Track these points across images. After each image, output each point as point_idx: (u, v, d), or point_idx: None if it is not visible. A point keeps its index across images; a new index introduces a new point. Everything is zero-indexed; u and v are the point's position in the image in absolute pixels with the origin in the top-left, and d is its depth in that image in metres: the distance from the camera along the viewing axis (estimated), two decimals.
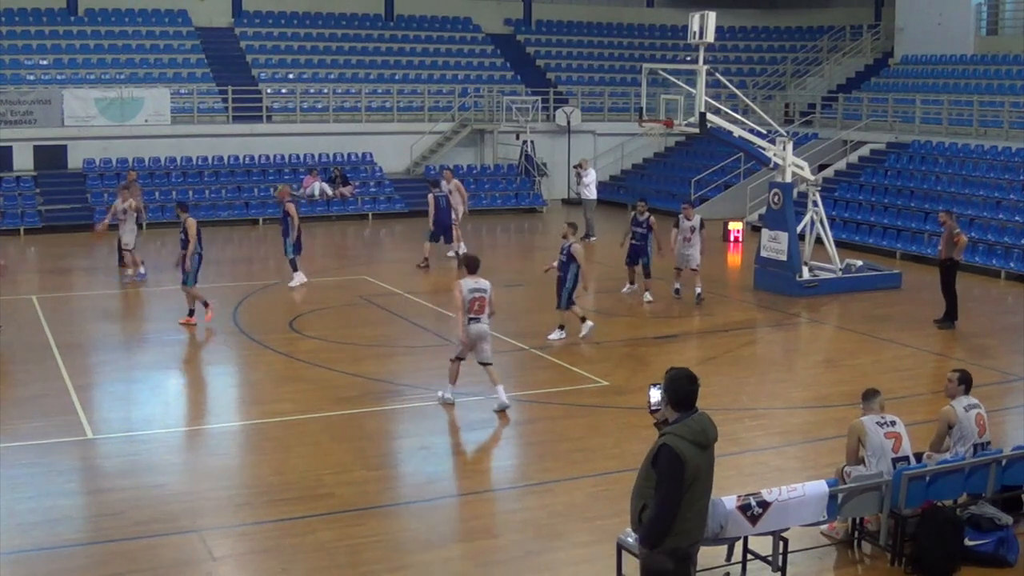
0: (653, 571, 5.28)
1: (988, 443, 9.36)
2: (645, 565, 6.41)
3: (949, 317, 17.00)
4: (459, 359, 12.40)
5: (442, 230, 22.03)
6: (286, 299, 18.72)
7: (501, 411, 12.25)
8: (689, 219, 18.43)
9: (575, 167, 28.05)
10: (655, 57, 34.59)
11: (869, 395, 9.22)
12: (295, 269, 19.60)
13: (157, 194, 28.27)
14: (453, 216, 22.43)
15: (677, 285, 18.87)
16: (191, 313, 16.51)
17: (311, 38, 35.19)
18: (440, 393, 12.60)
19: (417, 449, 11.35)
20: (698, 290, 18.46)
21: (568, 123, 33.29)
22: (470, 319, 12.12)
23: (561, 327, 15.94)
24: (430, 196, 22.01)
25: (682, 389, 6.21)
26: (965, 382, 9.47)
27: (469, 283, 12.18)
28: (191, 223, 16.37)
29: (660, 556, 5.36)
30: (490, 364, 12.38)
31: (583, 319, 16.01)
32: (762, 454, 11.24)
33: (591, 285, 18.23)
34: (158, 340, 15.86)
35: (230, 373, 14.66)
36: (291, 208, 19.50)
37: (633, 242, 18.80)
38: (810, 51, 37.65)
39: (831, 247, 20.31)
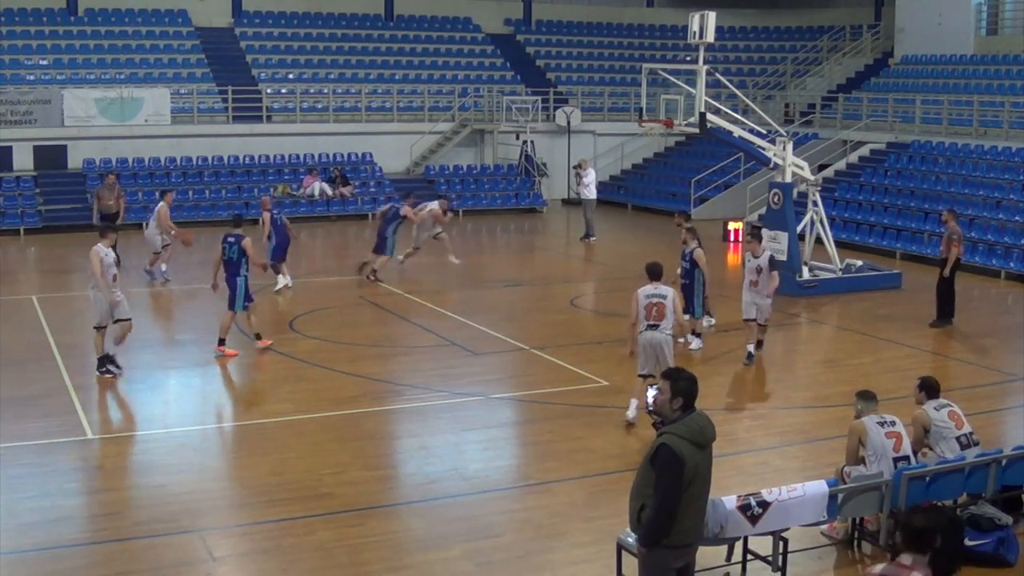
0: None
1: (972, 432, 9.39)
2: (644, 564, 6.43)
3: (945, 315, 17.02)
4: (643, 375, 11.63)
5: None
6: (286, 299, 18.72)
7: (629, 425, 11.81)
8: (756, 255, 14.90)
9: (575, 167, 27.98)
10: (655, 57, 34.58)
11: (867, 396, 9.23)
12: (276, 272, 19.02)
13: (158, 194, 28.23)
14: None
15: (750, 347, 14.76)
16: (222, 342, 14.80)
17: (311, 38, 35.19)
18: (627, 414, 11.89)
19: (417, 449, 11.35)
20: (750, 348, 14.71)
21: (568, 123, 33.28)
22: (648, 325, 11.58)
23: (698, 334, 15.41)
24: (267, 216, 19.17)
25: (691, 390, 6.27)
26: (926, 388, 9.57)
27: (648, 289, 11.71)
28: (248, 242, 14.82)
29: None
30: None
31: (697, 333, 15.39)
32: (762, 454, 11.24)
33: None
34: (158, 340, 15.85)
35: (230, 373, 14.65)
36: (265, 217, 19.07)
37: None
38: (810, 51, 37.66)
39: (831, 247, 20.31)
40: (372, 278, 19.90)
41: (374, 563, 8.56)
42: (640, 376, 11.72)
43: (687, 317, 15.35)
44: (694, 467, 6.13)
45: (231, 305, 14.71)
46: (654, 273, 11.89)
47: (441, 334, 16.19)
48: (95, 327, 13.59)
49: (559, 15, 39.43)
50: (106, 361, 13.51)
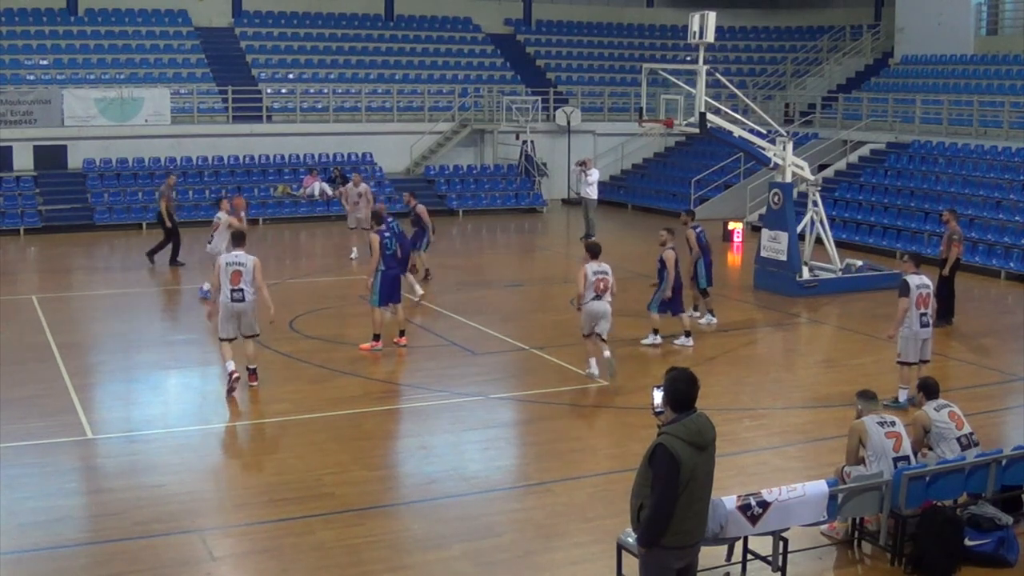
0: None
1: (972, 433, 9.40)
2: (643, 564, 6.43)
3: (944, 315, 17.03)
4: (588, 335, 13.64)
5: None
6: (286, 299, 18.68)
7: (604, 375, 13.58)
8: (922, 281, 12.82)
9: (578, 164, 27.56)
10: (655, 57, 34.60)
11: (868, 396, 9.24)
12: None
13: (157, 194, 28.23)
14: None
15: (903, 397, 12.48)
16: (376, 338, 15.04)
17: (311, 38, 35.19)
18: (587, 371, 13.59)
19: (417, 449, 11.35)
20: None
21: (568, 123, 33.28)
22: (593, 297, 13.41)
23: (655, 330, 15.56)
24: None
25: (679, 390, 6.22)
26: (924, 389, 9.62)
27: (593, 266, 13.53)
28: (374, 238, 14.93)
29: None
30: (605, 340, 13.60)
31: (655, 330, 15.58)
32: (762, 454, 11.24)
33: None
34: (158, 340, 15.85)
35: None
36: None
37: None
38: (810, 51, 37.66)
39: (831, 247, 20.31)
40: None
41: (374, 563, 8.56)
42: (584, 336, 13.64)
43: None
44: (691, 468, 6.11)
45: (399, 299, 15.44)
46: (595, 252, 13.78)
47: (441, 334, 16.19)
48: None
49: (559, 15, 39.43)
50: None
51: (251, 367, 13.09)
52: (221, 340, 12.92)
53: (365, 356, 14.84)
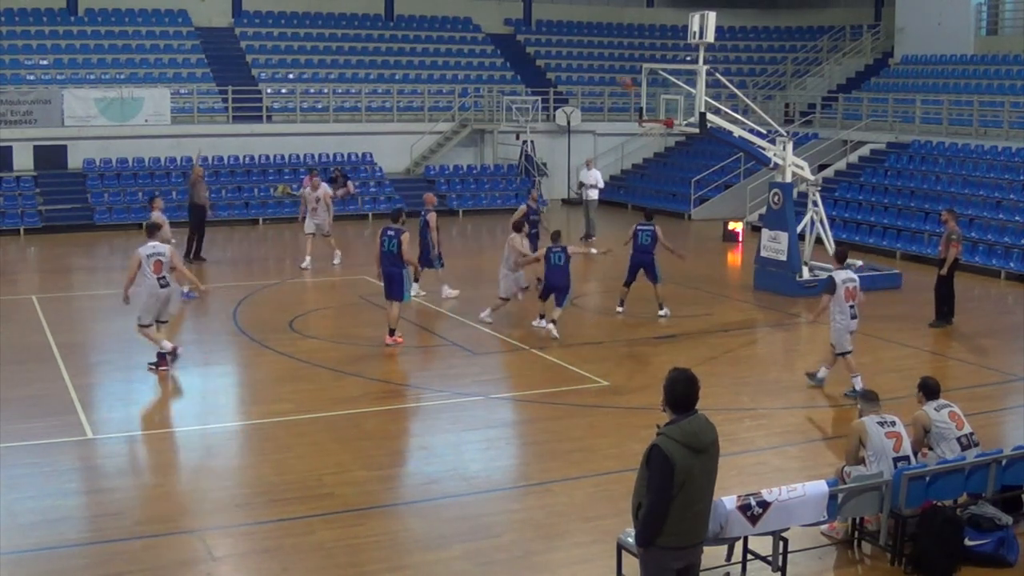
0: None
1: (972, 433, 9.40)
2: (643, 564, 6.44)
3: (944, 315, 17.02)
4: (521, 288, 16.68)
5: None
6: (286, 299, 18.72)
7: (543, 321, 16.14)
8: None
9: (579, 188, 27.49)
10: (655, 57, 34.58)
11: (869, 397, 9.25)
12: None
13: (158, 194, 28.23)
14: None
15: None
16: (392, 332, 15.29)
17: (311, 38, 35.20)
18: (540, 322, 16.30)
19: (417, 449, 11.36)
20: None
21: (568, 123, 33.28)
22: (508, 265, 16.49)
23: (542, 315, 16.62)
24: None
25: (678, 391, 6.21)
26: (924, 389, 9.59)
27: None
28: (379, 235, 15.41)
29: None
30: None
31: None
32: (762, 454, 11.24)
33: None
34: None
35: (230, 373, 14.65)
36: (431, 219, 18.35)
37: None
38: (810, 51, 37.66)
39: (831, 247, 20.27)
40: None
41: (374, 563, 8.57)
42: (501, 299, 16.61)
43: None
44: (686, 470, 6.09)
45: (396, 296, 15.24)
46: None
47: (441, 334, 16.19)
48: None
49: (559, 15, 39.43)
50: None
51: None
52: (144, 327, 13.76)
53: (365, 356, 14.84)
